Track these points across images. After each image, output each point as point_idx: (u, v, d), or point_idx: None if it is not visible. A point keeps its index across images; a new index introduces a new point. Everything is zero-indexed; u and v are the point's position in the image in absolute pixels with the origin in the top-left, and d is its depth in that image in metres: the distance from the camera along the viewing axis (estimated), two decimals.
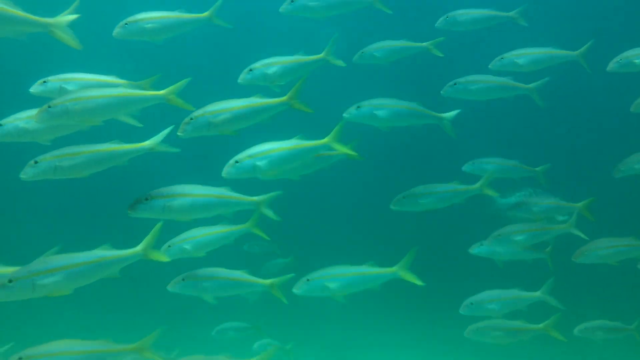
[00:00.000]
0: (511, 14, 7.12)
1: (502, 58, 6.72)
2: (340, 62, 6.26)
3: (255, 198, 5.36)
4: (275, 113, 5.43)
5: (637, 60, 6.28)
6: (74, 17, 4.87)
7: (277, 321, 8.60)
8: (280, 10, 6.22)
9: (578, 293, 6.99)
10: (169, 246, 5.61)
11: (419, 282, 5.63)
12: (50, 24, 4.79)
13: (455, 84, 6.55)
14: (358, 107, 6.12)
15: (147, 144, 4.95)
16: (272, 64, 5.90)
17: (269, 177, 5.48)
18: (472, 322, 6.31)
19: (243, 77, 5.85)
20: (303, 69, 6.03)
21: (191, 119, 5.14)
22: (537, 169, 7.09)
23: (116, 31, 5.85)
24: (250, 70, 5.85)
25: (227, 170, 5.23)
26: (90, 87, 5.07)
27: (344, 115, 6.09)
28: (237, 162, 5.22)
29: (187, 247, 5.59)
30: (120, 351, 4.46)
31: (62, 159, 4.70)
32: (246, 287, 5.80)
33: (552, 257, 6.63)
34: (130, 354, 4.50)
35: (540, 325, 6.35)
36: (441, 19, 6.96)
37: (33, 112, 4.75)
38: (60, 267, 4.24)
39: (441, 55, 6.94)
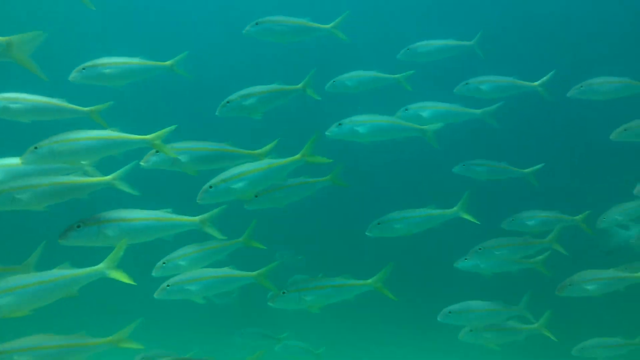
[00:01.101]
0: (472, 42, 7.46)
1: (466, 83, 6.97)
2: (315, 95, 6.36)
3: (197, 218, 5.21)
4: (292, 170, 5.54)
5: (600, 89, 6.61)
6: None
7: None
8: (244, 32, 6.37)
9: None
10: (164, 263, 5.58)
11: (392, 297, 5.79)
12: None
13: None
14: (339, 124, 6.25)
15: (108, 178, 4.87)
16: (248, 95, 5.99)
17: (253, 206, 5.56)
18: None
19: (220, 110, 5.96)
20: (279, 98, 6.13)
21: (210, 187, 5.20)
22: (526, 170, 7.17)
23: (73, 75, 5.73)
24: (227, 102, 5.96)
25: (201, 196, 5.23)
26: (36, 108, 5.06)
27: (326, 133, 6.19)
28: (211, 187, 5.23)
29: (183, 263, 5.55)
30: (96, 344, 4.48)
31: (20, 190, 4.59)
32: (233, 282, 5.71)
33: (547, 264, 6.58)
34: (106, 346, 4.52)
35: (535, 325, 6.41)
36: (402, 50, 7.27)
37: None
38: (14, 287, 4.18)
39: (410, 89, 7.11)
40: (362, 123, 6.25)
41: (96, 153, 4.92)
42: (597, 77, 6.71)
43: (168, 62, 6.06)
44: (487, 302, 6.40)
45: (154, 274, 5.61)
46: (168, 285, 5.46)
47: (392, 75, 7.10)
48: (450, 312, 6.35)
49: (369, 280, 5.82)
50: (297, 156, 5.47)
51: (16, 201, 4.57)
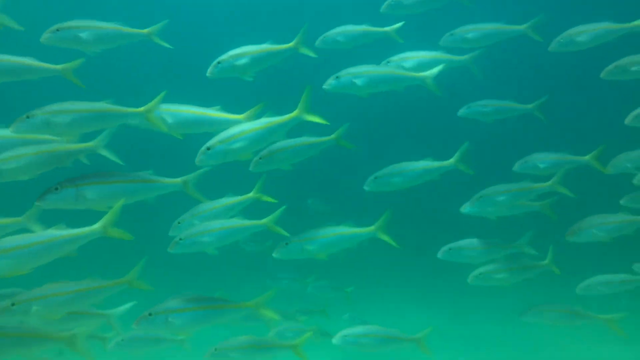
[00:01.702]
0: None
1: (452, 34, 6.85)
2: (310, 52, 6.24)
3: (179, 180, 5.12)
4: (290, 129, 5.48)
5: (579, 39, 6.44)
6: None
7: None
8: (325, 86, 6.11)
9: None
10: (179, 222, 5.68)
11: (393, 243, 5.87)
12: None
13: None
14: (337, 77, 6.10)
15: (90, 144, 4.87)
16: (240, 55, 5.84)
17: (258, 168, 5.58)
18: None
19: (211, 71, 5.81)
20: (272, 58, 5.99)
21: (208, 148, 5.16)
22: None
23: (45, 36, 5.42)
24: (219, 62, 5.80)
25: (199, 158, 5.20)
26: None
27: (324, 87, 6.08)
28: (208, 148, 5.20)
29: (197, 222, 5.60)
30: (109, 286, 4.67)
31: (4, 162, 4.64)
32: (245, 231, 5.73)
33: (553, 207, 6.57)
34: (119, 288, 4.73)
35: (545, 261, 6.45)
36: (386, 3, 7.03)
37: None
38: (12, 247, 4.25)
39: (401, 42, 6.93)
40: (361, 74, 6.10)
41: (90, 125, 4.87)
42: (576, 27, 6.50)
43: (145, 30, 5.88)
44: (487, 239, 6.47)
45: (170, 233, 5.71)
46: (181, 239, 5.49)
47: (382, 29, 6.96)
48: (450, 249, 6.43)
49: (371, 227, 5.86)
50: (294, 113, 5.44)
51: (2, 173, 4.63)
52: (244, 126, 5.31)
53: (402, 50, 6.65)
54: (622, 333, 6.45)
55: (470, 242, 6.45)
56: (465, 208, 6.46)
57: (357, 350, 6.25)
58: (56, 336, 4.52)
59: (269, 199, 5.85)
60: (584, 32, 6.44)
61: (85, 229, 4.46)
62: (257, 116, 5.48)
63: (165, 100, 5.07)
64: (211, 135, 5.30)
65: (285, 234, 5.73)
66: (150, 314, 4.85)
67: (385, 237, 5.89)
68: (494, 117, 7.15)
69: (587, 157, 6.51)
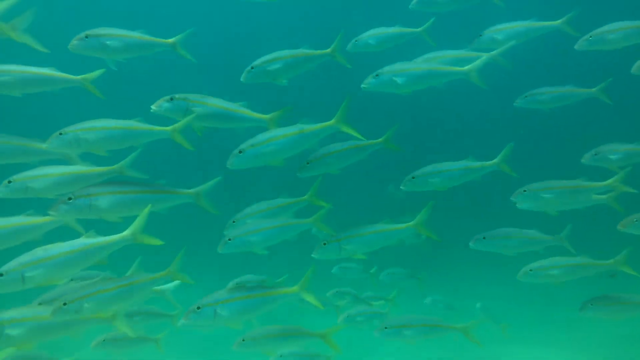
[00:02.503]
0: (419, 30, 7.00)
1: (480, 35, 6.68)
2: (345, 62, 6.15)
3: (191, 191, 5.13)
4: (324, 137, 5.48)
5: (611, 36, 6.23)
6: None
7: None
8: (363, 85, 5.98)
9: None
10: (234, 221, 5.72)
11: (434, 237, 5.78)
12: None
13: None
14: (376, 75, 5.95)
15: (116, 167, 4.96)
16: (273, 60, 5.81)
17: (305, 173, 5.64)
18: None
19: (245, 76, 5.80)
20: (306, 64, 5.93)
21: (240, 151, 5.21)
22: (593, 89, 6.51)
23: (73, 43, 5.40)
24: (252, 68, 5.78)
25: (231, 161, 5.25)
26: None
27: (362, 86, 5.96)
28: (240, 151, 5.23)
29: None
30: (155, 279, 4.79)
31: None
32: (292, 230, 5.70)
33: None
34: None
35: (610, 261, 6.10)
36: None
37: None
38: (47, 257, 4.32)
39: (434, 44, 6.86)
40: (401, 72, 5.94)
41: (119, 142, 5.01)
42: (609, 25, 6.29)
43: (170, 40, 5.85)
44: (524, 229, 6.28)
45: (224, 232, 5.71)
46: (230, 239, 5.48)
47: (414, 29, 6.89)
48: (484, 238, 6.25)
49: (411, 223, 5.73)
50: (330, 122, 5.43)
51: (28, 190, 4.77)
52: (276, 131, 5.33)
53: (424, 52, 6.51)
54: None
55: (504, 232, 6.28)
56: (523, 204, 6.21)
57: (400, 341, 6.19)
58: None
59: (323, 203, 5.83)
60: (616, 31, 6.26)
61: (115, 237, 4.55)
62: (282, 118, 5.51)
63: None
64: (232, 138, 5.36)
65: (332, 232, 5.67)
66: (198, 307, 4.85)
67: (425, 232, 5.75)
68: (555, 104, 6.73)
69: None
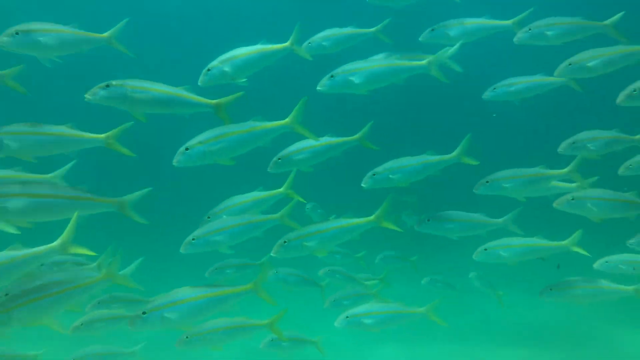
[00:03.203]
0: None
1: (432, 30, 6.52)
2: (305, 54, 5.93)
3: (115, 200, 4.64)
4: (276, 136, 5.33)
5: (549, 32, 6.17)
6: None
7: None
8: (319, 88, 5.82)
9: None
10: (193, 239, 5.48)
11: (397, 229, 5.71)
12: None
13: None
14: (331, 76, 5.77)
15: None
16: (230, 59, 5.53)
17: (276, 169, 5.63)
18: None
19: (202, 79, 5.52)
20: (265, 60, 5.66)
21: (186, 148, 5.06)
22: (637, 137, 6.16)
23: (2, 40, 5.01)
24: (208, 70, 5.51)
25: (178, 159, 5.10)
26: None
27: (318, 88, 5.78)
28: (187, 149, 5.08)
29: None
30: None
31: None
32: (258, 227, 5.60)
33: None
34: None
35: (564, 242, 6.19)
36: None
37: None
38: None
39: (389, 42, 6.73)
40: (357, 71, 5.72)
41: (47, 149, 4.84)
42: (546, 19, 6.21)
43: (105, 34, 5.46)
44: (470, 213, 6.39)
45: (198, 228, 5.56)
46: (193, 239, 5.40)
47: (368, 30, 6.74)
48: (429, 220, 6.31)
49: (371, 217, 5.65)
50: (283, 122, 5.33)
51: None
52: (226, 128, 5.17)
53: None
54: None
55: (448, 215, 6.36)
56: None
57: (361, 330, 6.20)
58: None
59: (298, 197, 5.81)
60: (555, 25, 6.23)
61: (42, 249, 4.18)
62: (231, 105, 5.28)
63: None
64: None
65: (299, 227, 5.58)
66: (144, 312, 4.63)
67: (388, 225, 5.65)
68: (525, 95, 6.52)
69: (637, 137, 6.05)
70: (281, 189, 5.88)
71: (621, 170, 6.06)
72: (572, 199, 5.93)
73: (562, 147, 6.20)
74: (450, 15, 6.67)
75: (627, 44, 6.00)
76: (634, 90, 5.58)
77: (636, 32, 6.21)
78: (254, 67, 5.64)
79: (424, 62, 5.88)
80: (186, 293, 4.76)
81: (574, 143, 6.14)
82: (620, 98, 5.70)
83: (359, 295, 6.92)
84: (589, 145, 6.08)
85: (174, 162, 5.11)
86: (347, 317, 6.11)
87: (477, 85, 6.87)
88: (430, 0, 7.11)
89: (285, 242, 5.53)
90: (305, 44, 6.44)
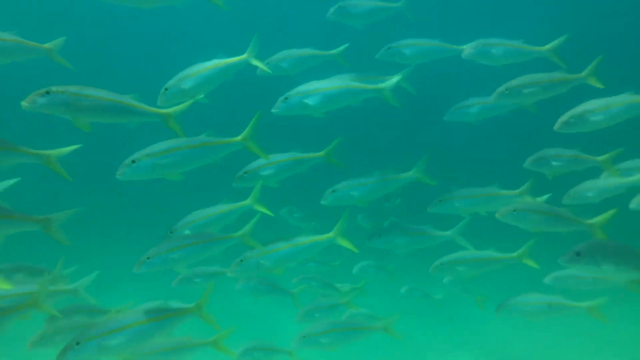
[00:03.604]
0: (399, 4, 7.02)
1: (389, 48, 6.61)
2: (263, 65, 5.77)
3: (41, 217, 4.43)
4: (231, 151, 5.23)
5: (494, 51, 6.24)
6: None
7: None
8: (273, 110, 5.73)
9: None
10: (148, 258, 5.18)
11: (353, 248, 5.67)
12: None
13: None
14: (285, 99, 5.69)
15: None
16: (187, 77, 5.34)
17: (241, 183, 5.62)
18: None
19: (161, 99, 5.29)
20: (223, 74, 5.52)
21: (133, 161, 4.88)
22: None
23: None
24: (166, 89, 5.30)
25: (122, 171, 4.90)
26: None
27: (272, 110, 5.71)
28: (133, 161, 4.93)
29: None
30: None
31: None
32: (216, 245, 5.45)
33: None
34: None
35: (514, 254, 6.31)
36: (332, 9, 6.92)
37: None
38: None
39: (346, 65, 6.84)
40: (312, 93, 5.68)
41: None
42: (493, 38, 6.33)
43: (46, 45, 5.19)
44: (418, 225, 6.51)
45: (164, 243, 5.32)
46: (148, 258, 5.13)
47: (328, 52, 6.81)
48: (380, 235, 6.43)
49: (330, 234, 5.64)
50: (235, 139, 5.25)
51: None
52: (176, 141, 5.05)
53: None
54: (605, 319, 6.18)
55: (398, 228, 6.46)
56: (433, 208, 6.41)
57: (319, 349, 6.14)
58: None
59: (265, 210, 5.68)
60: (500, 46, 6.34)
61: None
62: (182, 114, 5.13)
63: None
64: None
65: (260, 245, 5.48)
66: (77, 343, 4.23)
67: (344, 243, 5.65)
68: (484, 116, 6.68)
69: (600, 158, 6.11)
70: (247, 201, 5.69)
71: (565, 199, 6.25)
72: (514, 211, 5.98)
73: (528, 162, 6.29)
74: (410, 35, 6.79)
75: (566, 70, 6.15)
76: (571, 118, 5.71)
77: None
78: (212, 83, 5.50)
79: (378, 86, 5.92)
80: (125, 318, 4.50)
81: (538, 159, 6.23)
82: (557, 125, 5.81)
83: (331, 307, 6.84)
84: (553, 162, 6.18)
85: (117, 175, 4.92)
86: (303, 337, 6.11)
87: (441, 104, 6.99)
88: (389, 20, 7.22)
89: (242, 260, 5.47)
90: (264, 62, 6.29)
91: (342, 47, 6.90)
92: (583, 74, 5.98)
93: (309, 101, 5.69)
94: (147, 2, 5.38)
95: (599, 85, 5.93)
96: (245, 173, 5.72)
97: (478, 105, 6.69)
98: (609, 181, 6.08)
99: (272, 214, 5.77)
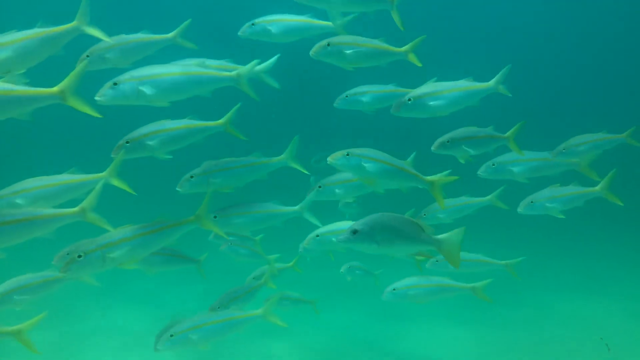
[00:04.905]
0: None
1: (253, 24, 5.56)
2: (191, 44, 5.44)
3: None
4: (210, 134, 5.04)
5: (364, 99, 5.88)
6: None
7: None
8: (240, 33, 5.45)
9: None
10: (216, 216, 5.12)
11: (318, 224, 5.70)
12: None
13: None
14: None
15: None
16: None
17: (187, 189, 5.11)
18: None
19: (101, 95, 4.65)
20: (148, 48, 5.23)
21: (128, 141, 4.76)
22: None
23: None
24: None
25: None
26: None
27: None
28: (127, 142, 4.84)
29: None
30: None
31: None
32: (278, 217, 5.49)
33: None
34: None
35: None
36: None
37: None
38: None
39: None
40: (149, 79, 4.76)
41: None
42: (361, 86, 5.96)
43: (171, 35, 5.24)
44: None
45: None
46: (215, 217, 5.16)
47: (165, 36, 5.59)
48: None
49: (296, 207, 5.56)
50: (219, 122, 5.14)
51: None
52: (166, 123, 4.96)
53: None
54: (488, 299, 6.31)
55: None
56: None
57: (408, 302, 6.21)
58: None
59: (213, 227, 4.84)
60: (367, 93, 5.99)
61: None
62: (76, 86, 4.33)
63: None
64: None
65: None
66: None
67: (310, 218, 5.60)
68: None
69: (577, 160, 6.03)
70: (191, 217, 4.75)
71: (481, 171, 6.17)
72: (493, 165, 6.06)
73: (483, 170, 6.13)
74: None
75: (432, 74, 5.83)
76: (448, 141, 5.70)
77: None
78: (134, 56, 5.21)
79: (232, 73, 5.10)
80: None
81: (493, 165, 6.09)
82: (435, 145, 5.74)
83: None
84: (512, 168, 6.05)
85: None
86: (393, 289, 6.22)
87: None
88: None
89: (215, 216, 5.26)
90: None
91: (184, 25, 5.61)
92: (404, 48, 5.73)
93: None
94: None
95: (417, 63, 5.75)
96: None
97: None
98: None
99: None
